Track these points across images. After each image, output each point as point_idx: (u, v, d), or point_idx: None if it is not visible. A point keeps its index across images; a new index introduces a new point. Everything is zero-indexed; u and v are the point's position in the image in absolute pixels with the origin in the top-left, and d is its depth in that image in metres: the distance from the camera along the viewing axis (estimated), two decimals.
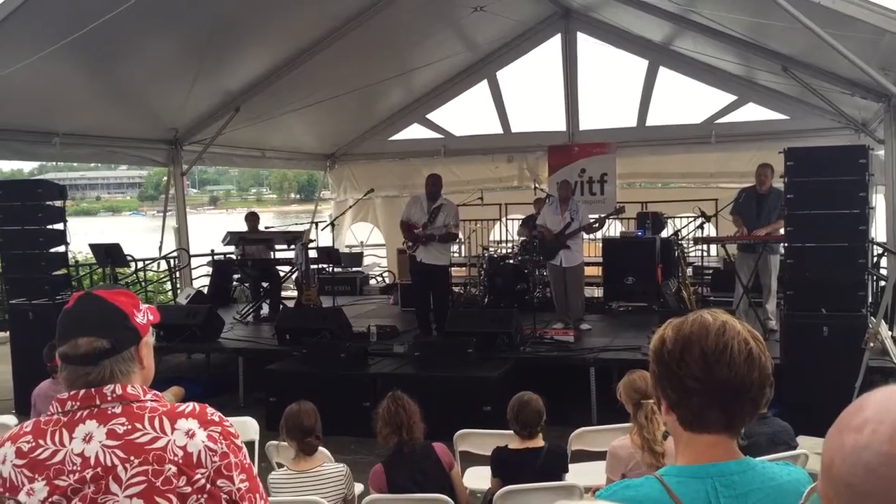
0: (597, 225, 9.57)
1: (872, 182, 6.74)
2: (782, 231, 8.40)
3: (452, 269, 10.49)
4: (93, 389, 1.77)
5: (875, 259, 10.00)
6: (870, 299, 7.70)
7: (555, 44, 12.80)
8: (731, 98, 12.14)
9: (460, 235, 10.66)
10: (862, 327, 6.28)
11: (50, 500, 1.70)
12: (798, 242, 6.72)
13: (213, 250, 13.36)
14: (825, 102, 9.81)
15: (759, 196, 8.55)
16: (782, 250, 8.64)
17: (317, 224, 11.79)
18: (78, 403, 1.77)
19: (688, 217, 10.91)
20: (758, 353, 1.48)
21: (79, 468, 1.71)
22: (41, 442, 1.75)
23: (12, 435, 1.80)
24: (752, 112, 12.17)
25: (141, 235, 21.77)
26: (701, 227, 9.85)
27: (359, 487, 4.37)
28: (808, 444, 4.23)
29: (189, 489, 1.73)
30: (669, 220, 11.77)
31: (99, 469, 1.71)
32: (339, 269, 12.50)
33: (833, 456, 0.91)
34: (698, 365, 1.47)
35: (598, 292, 11.39)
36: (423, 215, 9.00)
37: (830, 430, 0.95)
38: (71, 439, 1.74)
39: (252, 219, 11.67)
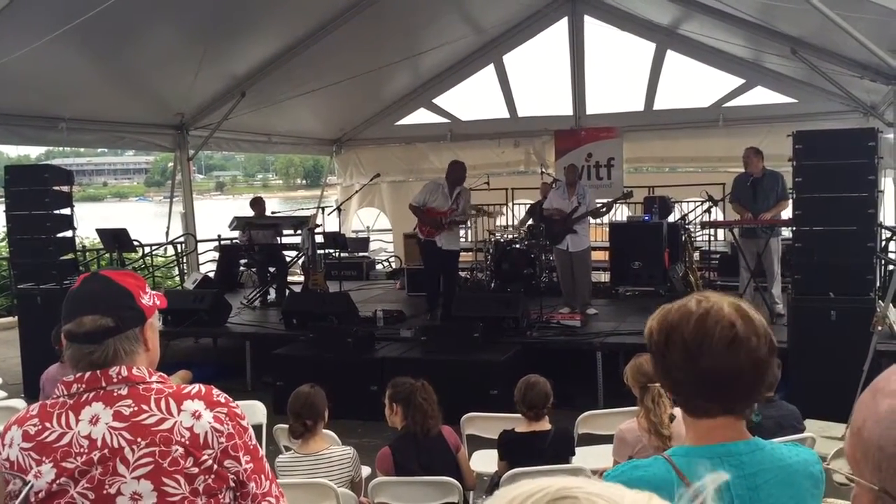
0: (604, 210, 9.53)
1: (881, 165, 6.71)
2: (784, 214, 8.38)
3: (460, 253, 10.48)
4: (98, 372, 1.77)
5: (883, 243, 9.98)
6: (878, 283, 7.68)
7: (562, 27, 12.73)
8: (739, 81, 12.08)
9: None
10: (870, 311, 6.24)
11: (57, 482, 1.71)
12: (806, 226, 6.68)
13: (219, 235, 13.36)
14: (834, 85, 9.75)
15: (753, 180, 8.46)
16: (784, 233, 8.60)
17: (323, 209, 11.79)
18: (84, 386, 1.77)
19: (695, 201, 10.85)
20: (745, 335, 1.43)
21: (86, 450, 1.72)
22: (48, 425, 1.75)
23: (19, 418, 1.81)
24: (761, 95, 12.10)
25: (148, 221, 21.76)
26: (708, 211, 9.81)
27: (366, 470, 4.38)
28: (815, 428, 4.23)
29: (196, 470, 1.73)
30: (676, 205, 11.71)
31: (106, 451, 1.71)
32: (346, 254, 12.51)
33: (865, 418, 0.91)
34: (680, 355, 1.45)
35: (604, 277, 11.35)
36: (447, 201, 8.92)
37: (864, 393, 0.95)
38: (77, 422, 1.74)
39: (258, 204, 11.62)
